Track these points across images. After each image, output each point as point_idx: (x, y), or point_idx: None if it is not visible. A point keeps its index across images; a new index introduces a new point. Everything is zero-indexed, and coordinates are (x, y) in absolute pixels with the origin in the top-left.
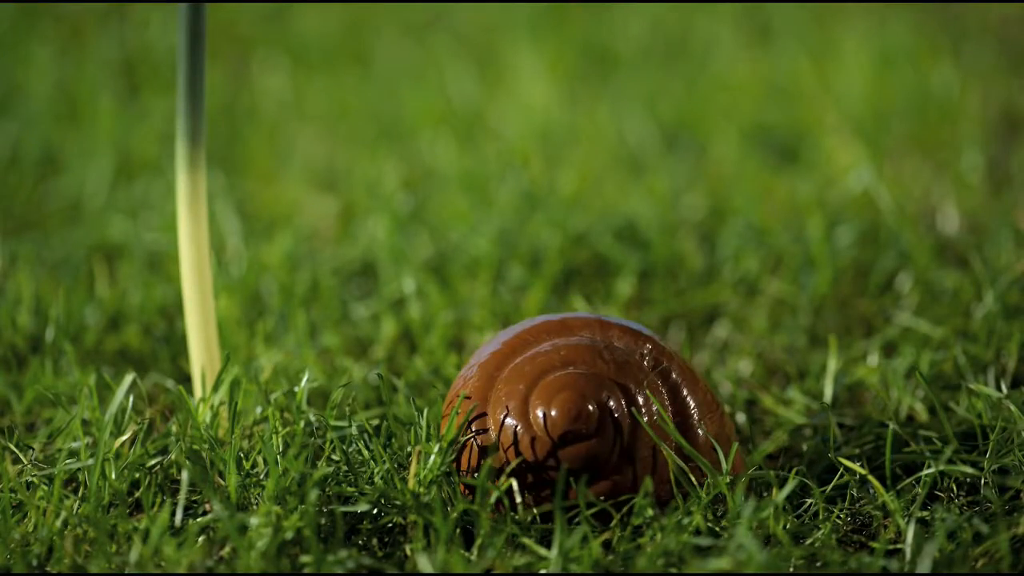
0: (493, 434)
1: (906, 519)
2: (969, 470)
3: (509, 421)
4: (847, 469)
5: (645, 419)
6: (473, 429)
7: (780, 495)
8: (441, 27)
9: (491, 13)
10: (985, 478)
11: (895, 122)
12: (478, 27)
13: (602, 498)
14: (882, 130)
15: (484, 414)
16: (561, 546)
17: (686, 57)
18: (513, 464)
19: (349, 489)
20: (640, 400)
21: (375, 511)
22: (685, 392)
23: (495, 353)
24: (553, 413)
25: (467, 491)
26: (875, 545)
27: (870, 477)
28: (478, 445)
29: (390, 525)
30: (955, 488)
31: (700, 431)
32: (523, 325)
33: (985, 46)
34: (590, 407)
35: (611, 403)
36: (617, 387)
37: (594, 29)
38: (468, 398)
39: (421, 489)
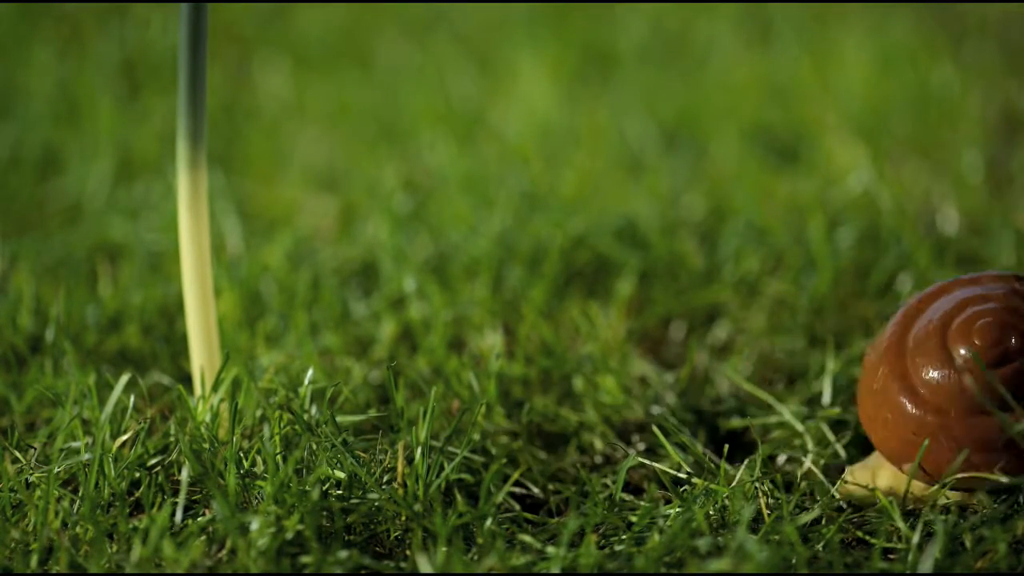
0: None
1: (906, 522)
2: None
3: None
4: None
5: None
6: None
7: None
8: (441, 27)
9: (491, 13)
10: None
11: (895, 122)
12: (478, 27)
13: None
14: (882, 130)
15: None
16: (564, 544)
17: (686, 57)
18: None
19: (354, 499)
20: None
21: (374, 518)
22: None
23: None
24: (977, 342)
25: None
26: (874, 541)
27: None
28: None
29: (388, 531)
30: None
31: None
32: (925, 291)
33: (985, 46)
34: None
35: None
36: None
37: (594, 29)
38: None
39: (419, 495)
